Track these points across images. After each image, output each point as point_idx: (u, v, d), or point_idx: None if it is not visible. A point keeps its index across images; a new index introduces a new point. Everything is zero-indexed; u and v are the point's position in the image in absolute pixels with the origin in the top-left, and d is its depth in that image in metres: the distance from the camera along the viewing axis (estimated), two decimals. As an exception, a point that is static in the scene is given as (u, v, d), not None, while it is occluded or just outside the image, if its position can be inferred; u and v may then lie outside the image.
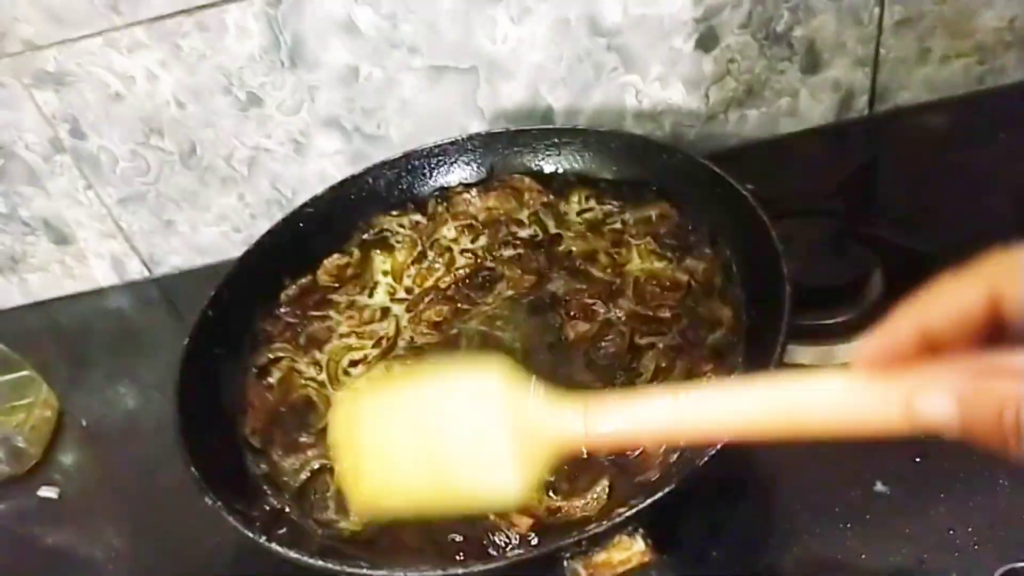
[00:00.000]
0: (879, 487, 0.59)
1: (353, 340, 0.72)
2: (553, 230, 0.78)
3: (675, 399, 0.37)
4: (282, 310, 0.75)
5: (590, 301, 0.69)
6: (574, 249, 0.75)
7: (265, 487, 0.60)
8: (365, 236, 0.82)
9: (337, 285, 0.77)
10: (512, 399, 0.40)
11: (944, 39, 0.91)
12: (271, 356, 0.71)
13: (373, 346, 0.71)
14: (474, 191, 0.82)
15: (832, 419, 0.34)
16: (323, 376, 0.69)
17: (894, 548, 0.56)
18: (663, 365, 0.63)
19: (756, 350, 0.60)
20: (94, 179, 0.95)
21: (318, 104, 0.91)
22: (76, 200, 0.97)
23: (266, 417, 0.66)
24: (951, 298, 0.31)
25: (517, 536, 0.51)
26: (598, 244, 0.75)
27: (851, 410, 0.34)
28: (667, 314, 0.66)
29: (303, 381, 0.69)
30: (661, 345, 0.64)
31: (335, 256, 0.79)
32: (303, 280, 0.77)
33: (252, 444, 0.64)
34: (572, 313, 0.69)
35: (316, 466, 0.62)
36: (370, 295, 0.76)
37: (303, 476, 0.61)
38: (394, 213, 0.83)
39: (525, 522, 0.51)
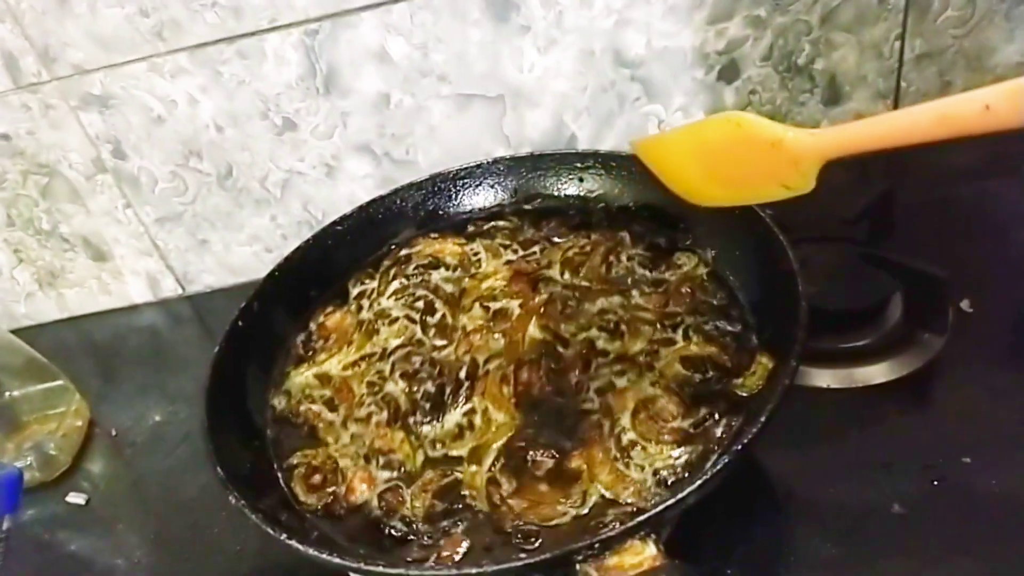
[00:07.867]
0: (896, 509, 0.59)
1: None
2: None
3: (869, 122, 0.55)
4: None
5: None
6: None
7: (288, 490, 0.61)
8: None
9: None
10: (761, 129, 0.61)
11: (965, 73, 0.92)
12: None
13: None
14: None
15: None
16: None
17: (910, 570, 0.56)
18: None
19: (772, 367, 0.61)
20: (133, 198, 0.99)
21: (350, 129, 0.94)
22: (115, 218, 1.01)
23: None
24: None
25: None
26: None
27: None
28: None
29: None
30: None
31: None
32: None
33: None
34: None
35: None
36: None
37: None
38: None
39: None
